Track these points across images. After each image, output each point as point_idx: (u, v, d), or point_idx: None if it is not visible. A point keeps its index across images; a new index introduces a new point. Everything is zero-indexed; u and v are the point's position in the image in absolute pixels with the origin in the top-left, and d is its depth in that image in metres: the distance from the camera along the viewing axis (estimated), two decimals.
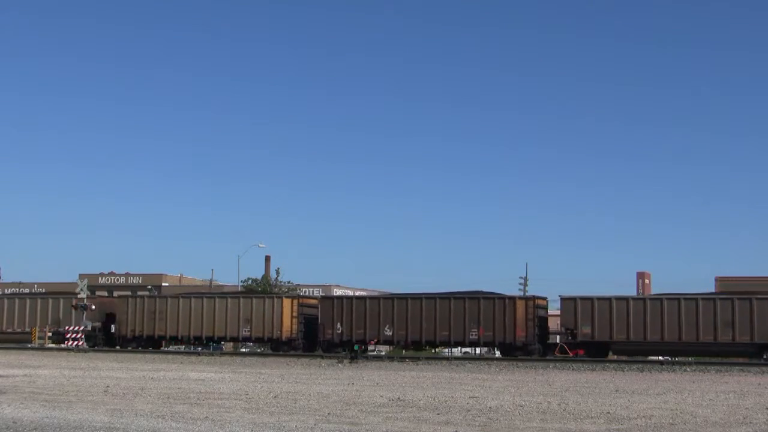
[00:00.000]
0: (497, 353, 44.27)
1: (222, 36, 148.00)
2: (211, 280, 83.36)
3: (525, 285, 76.38)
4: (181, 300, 47.53)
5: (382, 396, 19.29)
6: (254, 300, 46.24)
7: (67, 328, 48.95)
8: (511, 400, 18.45)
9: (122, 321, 48.29)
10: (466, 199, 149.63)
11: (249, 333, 45.74)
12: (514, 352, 41.18)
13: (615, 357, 41.58)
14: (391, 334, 43.24)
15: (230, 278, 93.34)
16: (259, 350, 51.35)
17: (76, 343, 48.15)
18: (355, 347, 44.09)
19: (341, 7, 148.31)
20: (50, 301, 51.17)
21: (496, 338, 41.89)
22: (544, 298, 43.81)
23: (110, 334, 49.38)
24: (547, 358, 39.96)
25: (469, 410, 16.26)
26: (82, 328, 48.63)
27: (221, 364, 34.97)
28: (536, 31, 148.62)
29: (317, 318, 45.50)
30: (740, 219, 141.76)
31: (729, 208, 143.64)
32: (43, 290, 71.62)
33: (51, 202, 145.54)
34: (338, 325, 43.86)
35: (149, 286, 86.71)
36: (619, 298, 40.72)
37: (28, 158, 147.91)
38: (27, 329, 50.71)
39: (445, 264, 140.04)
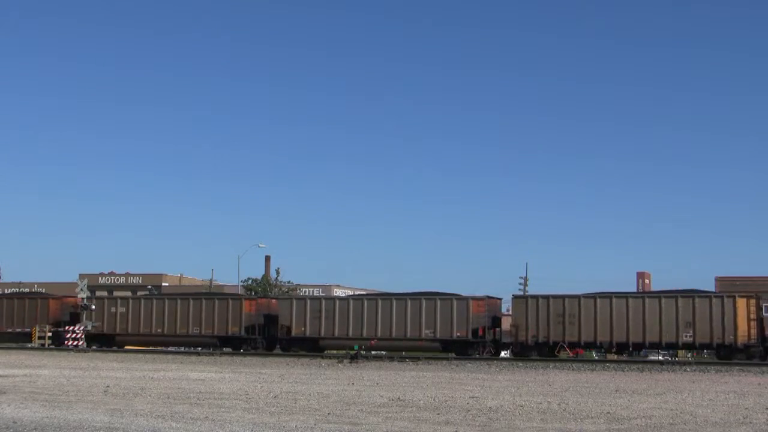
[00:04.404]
0: None
1: (222, 36, 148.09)
2: (211, 280, 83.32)
3: (525, 285, 76.40)
4: (598, 300, 42.89)
5: (382, 396, 19.29)
6: (697, 299, 41.28)
7: (66, 327, 48.87)
8: (511, 400, 18.44)
9: (520, 325, 43.83)
10: (466, 199, 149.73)
11: (691, 338, 41.17)
12: None
13: None
14: None
15: (230, 278, 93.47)
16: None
17: (75, 343, 48.15)
18: (355, 347, 43.66)
19: (342, 7, 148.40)
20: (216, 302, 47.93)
21: None
22: None
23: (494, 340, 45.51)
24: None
25: (469, 410, 16.26)
26: (82, 328, 48.63)
27: (221, 364, 34.96)
28: (536, 31, 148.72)
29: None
30: (740, 219, 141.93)
31: (729, 208, 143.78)
32: (43, 290, 71.24)
33: (51, 202, 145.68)
34: None
35: (149, 286, 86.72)
36: None
37: (28, 158, 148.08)
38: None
39: (445, 264, 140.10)
